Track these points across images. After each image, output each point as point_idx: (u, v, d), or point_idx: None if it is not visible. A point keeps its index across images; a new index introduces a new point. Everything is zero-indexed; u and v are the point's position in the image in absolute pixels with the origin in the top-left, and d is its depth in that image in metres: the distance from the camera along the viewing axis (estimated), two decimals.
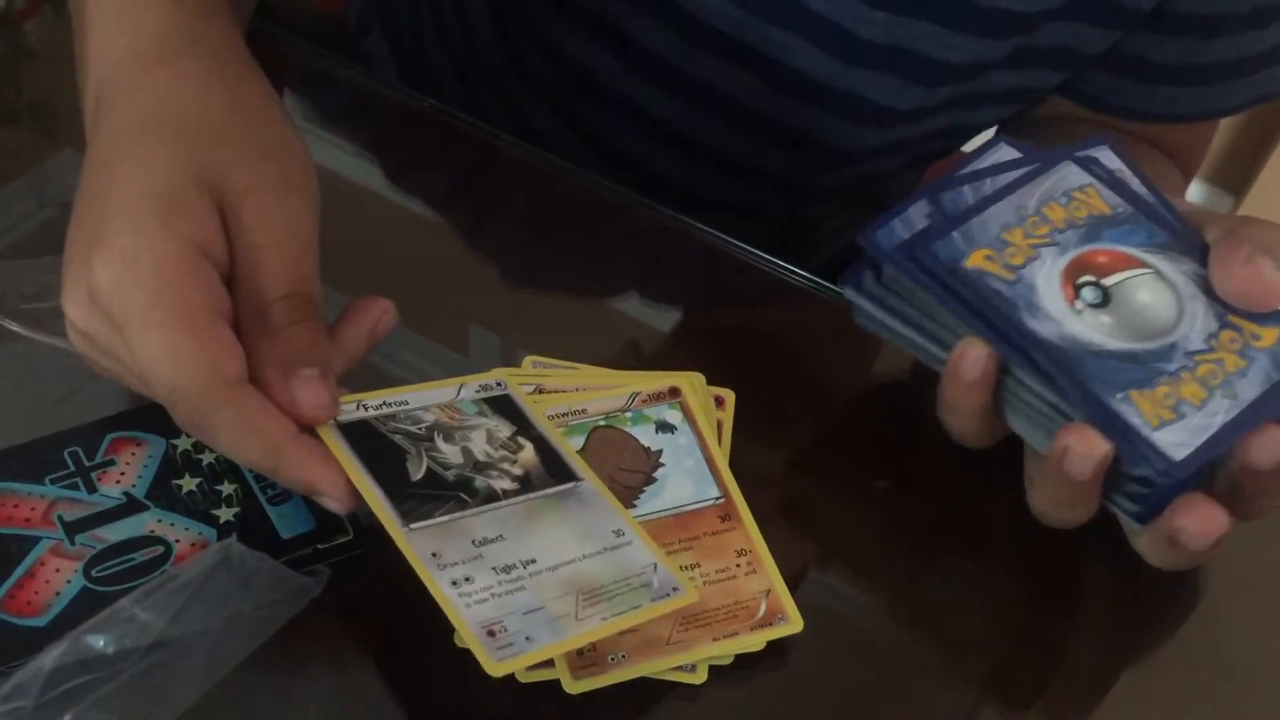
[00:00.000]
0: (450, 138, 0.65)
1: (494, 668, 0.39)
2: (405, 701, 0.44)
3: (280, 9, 0.68)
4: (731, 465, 0.50)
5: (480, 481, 0.44)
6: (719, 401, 0.53)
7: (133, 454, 0.47)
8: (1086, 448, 0.45)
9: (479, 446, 0.46)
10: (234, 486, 0.47)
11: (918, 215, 0.50)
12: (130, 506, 0.46)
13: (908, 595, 0.50)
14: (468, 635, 0.40)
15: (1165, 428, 0.45)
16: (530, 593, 0.42)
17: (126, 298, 0.41)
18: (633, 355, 0.55)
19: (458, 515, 0.43)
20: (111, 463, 0.47)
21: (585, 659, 0.44)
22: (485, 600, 0.41)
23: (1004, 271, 0.48)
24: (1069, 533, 0.49)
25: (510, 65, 0.75)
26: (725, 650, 0.45)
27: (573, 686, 0.43)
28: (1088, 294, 0.48)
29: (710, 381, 0.53)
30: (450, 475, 0.44)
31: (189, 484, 0.47)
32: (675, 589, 0.43)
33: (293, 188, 0.45)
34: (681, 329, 0.58)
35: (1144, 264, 0.49)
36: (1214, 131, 0.77)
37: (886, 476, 0.53)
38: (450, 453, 0.45)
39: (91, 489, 0.46)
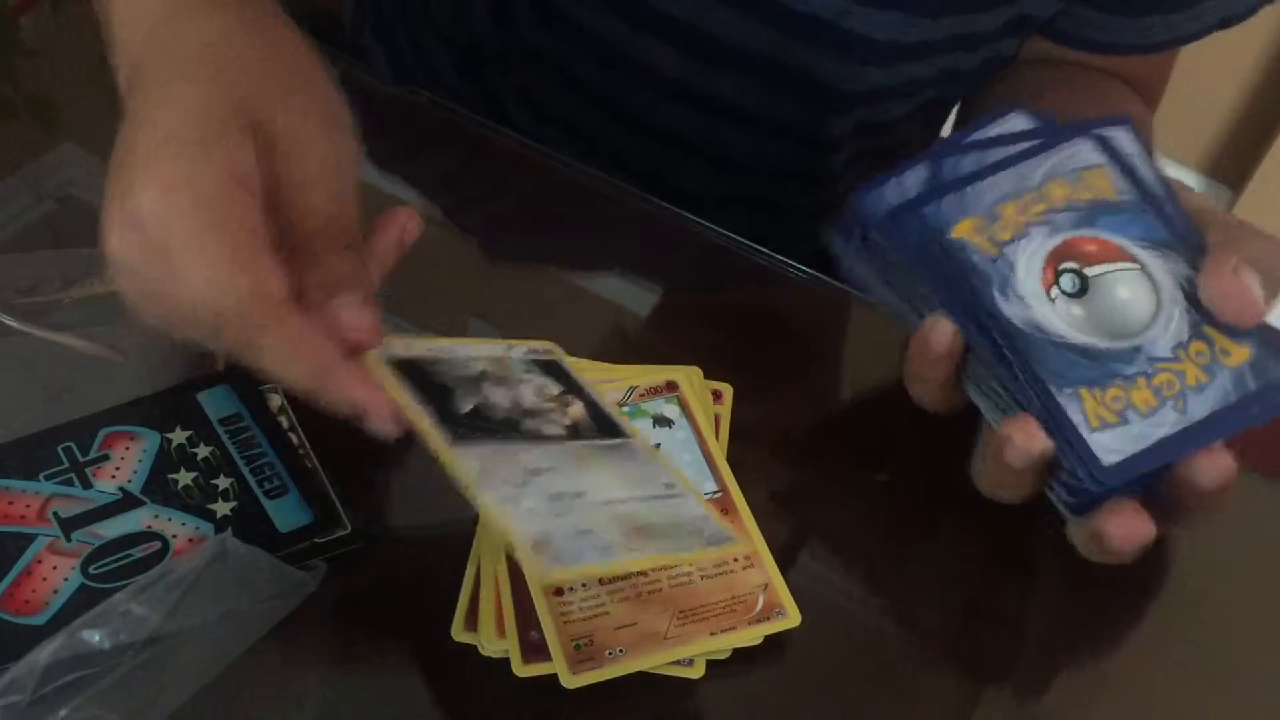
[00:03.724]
0: (447, 131, 0.65)
1: (546, 577, 0.39)
2: (403, 696, 0.44)
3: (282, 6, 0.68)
4: (729, 459, 0.50)
5: (528, 424, 0.44)
6: (716, 395, 0.53)
7: (127, 448, 0.47)
8: (1026, 442, 0.45)
9: (528, 397, 0.45)
10: (230, 480, 0.47)
11: (914, 180, 0.49)
12: (126, 502, 0.45)
13: (905, 588, 0.50)
14: (518, 544, 0.39)
15: (1105, 430, 0.45)
16: (580, 517, 0.41)
17: (170, 224, 0.41)
18: (631, 349, 0.55)
19: (507, 445, 0.43)
20: (106, 458, 0.47)
21: (582, 654, 0.44)
22: (532, 520, 0.40)
23: (988, 245, 0.48)
24: (1066, 527, 0.49)
25: (516, 48, 0.75)
26: (723, 645, 0.45)
27: (570, 681, 0.43)
28: (1066, 282, 0.47)
29: (708, 375, 0.53)
30: (498, 415, 0.44)
31: (185, 478, 0.47)
32: (728, 538, 0.43)
33: (331, 123, 0.46)
34: (679, 323, 0.58)
35: (1133, 259, 0.48)
36: (1174, 61, 0.78)
37: (884, 470, 0.53)
38: (499, 397, 0.44)
39: (86, 484, 0.46)
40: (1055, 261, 0.48)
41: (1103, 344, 0.46)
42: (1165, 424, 0.45)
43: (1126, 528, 0.45)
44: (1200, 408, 0.45)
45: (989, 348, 0.46)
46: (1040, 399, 0.45)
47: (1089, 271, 0.47)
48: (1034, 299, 0.47)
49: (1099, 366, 0.46)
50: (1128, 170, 0.50)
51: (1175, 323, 0.47)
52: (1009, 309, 0.46)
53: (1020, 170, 0.49)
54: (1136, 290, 0.47)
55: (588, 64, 0.73)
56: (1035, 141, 0.50)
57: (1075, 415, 0.45)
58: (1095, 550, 0.47)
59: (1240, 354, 0.47)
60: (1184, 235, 0.49)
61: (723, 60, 0.70)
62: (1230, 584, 0.52)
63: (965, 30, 0.69)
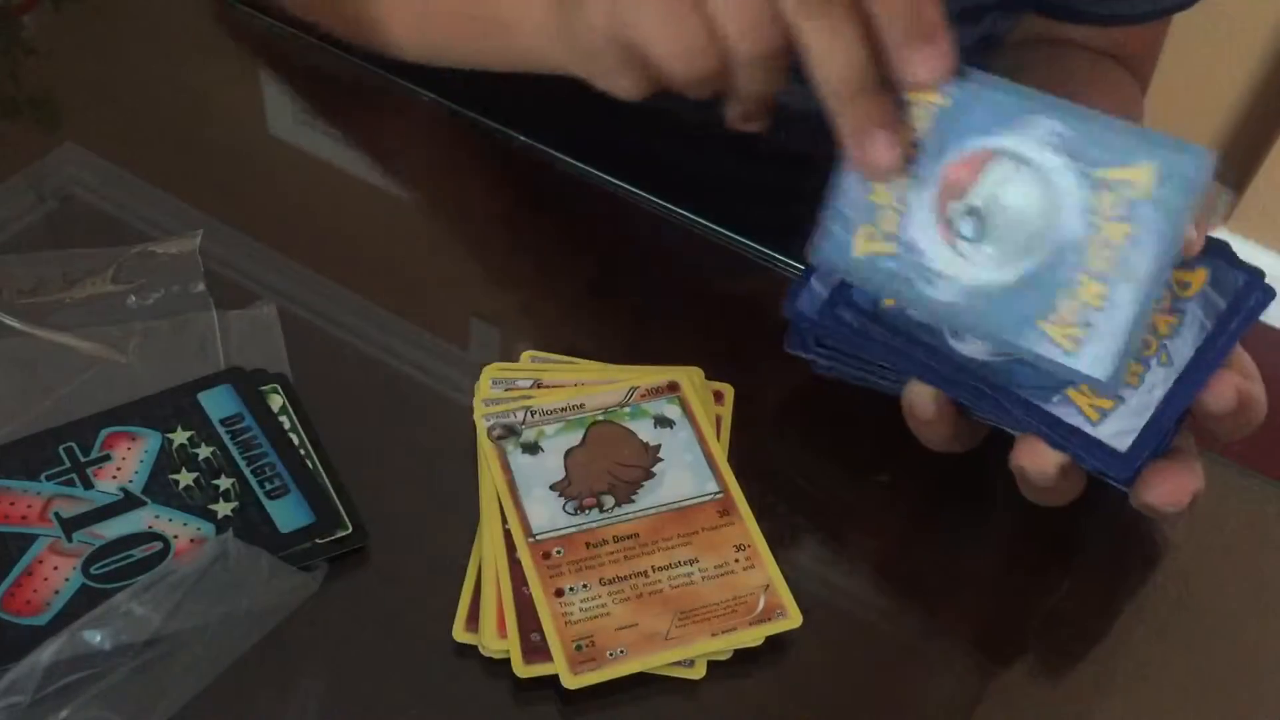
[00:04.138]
0: (451, 133, 0.65)
1: None
2: (404, 696, 0.44)
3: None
4: (730, 460, 0.50)
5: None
6: (718, 396, 0.53)
7: (128, 449, 0.47)
8: (1039, 464, 0.45)
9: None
10: (231, 480, 0.47)
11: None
12: (127, 502, 0.46)
13: (907, 588, 0.50)
14: None
15: (1107, 420, 0.44)
16: None
17: None
18: (631, 350, 0.55)
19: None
20: (107, 458, 0.47)
21: (583, 654, 0.44)
22: None
23: (885, 245, 0.45)
24: (1071, 524, 0.49)
25: None
26: (724, 646, 0.45)
27: (571, 681, 0.43)
28: (965, 229, 0.44)
29: (709, 376, 0.53)
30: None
31: (186, 478, 0.47)
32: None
33: None
34: (680, 324, 0.58)
35: (999, 151, 0.44)
36: (1164, 36, 0.79)
37: (885, 470, 0.53)
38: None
39: (88, 485, 0.46)
40: (943, 209, 0.44)
41: (1033, 265, 0.44)
42: (1159, 382, 0.45)
43: (1168, 491, 0.45)
44: (1184, 349, 0.45)
45: (967, 392, 0.46)
46: (1035, 418, 0.45)
47: (975, 201, 0.44)
48: (951, 266, 0.45)
49: (1041, 290, 0.44)
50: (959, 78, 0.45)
51: (1075, 191, 0.43)
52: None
53: None
54: (1019, 185, 0.43)
55: None
56: None
57: (1074, 418, 0.45)
58: (1153, 513, 0.47)
59: (1198, 279, 0.46)
60: (1028, 94, 0.44)
61: None
62: (1239, 588, 0.52)
63: (968, 5, 0.69)
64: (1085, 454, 0.45)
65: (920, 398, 0.48)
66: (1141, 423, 0.44)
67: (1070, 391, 0.45)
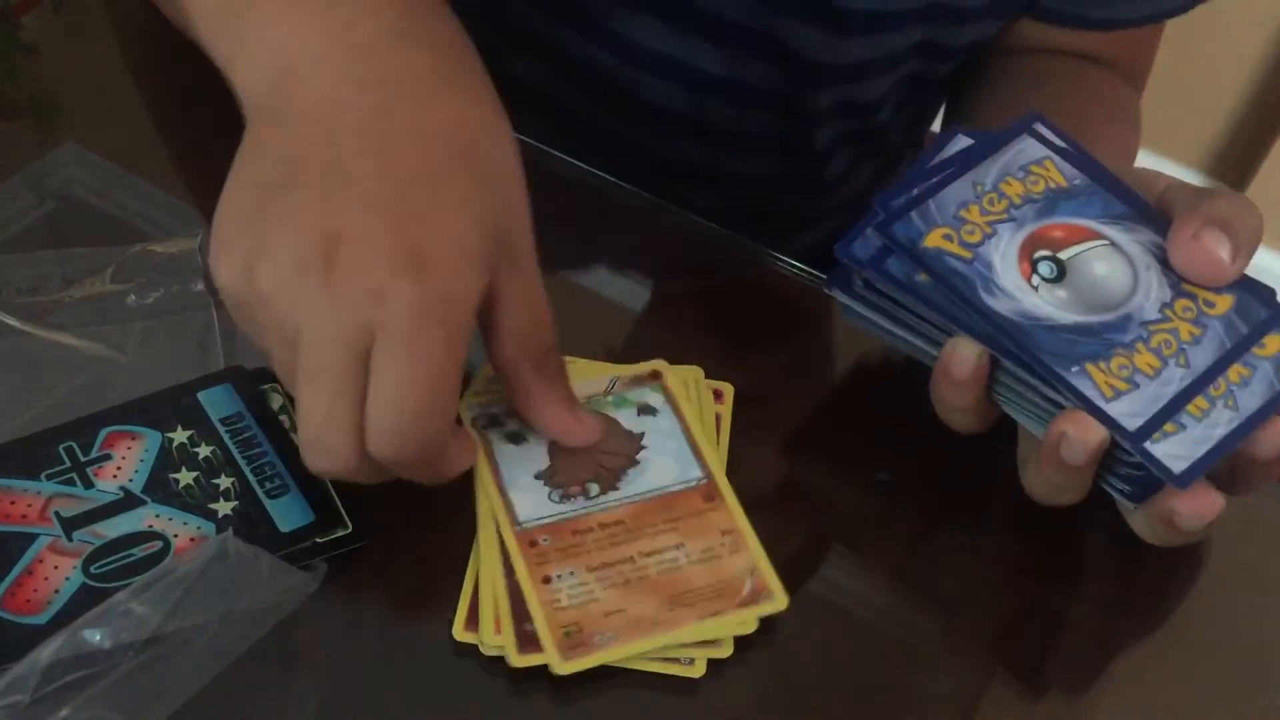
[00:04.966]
0: None
1: None
2: (404, 695, 0.44)
3: None
4: (731, 458, 0.50)
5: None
6: (718, 396, 0.53)
7: (128, 448, 0.47)
8: (1082, 433, 0.45)
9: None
10: (231, 480, 0.47)
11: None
12: (127, 501, 0.46)
13: (908, 587, 0.50)
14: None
15: (1119, 399, 0.46)
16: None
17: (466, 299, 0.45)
18: (631, 349, 0.55)
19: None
20: (107, 457, 0.47)
21: (573, 640, 0.44)
22: None
23: (961, 250, 0.49)
24: (1071, 523, 0.50)
25: (508, 38, 0.75)
26: (711, 630, 0.45)
27: (562, 667, 0.43)
28: (1044, 269, 0.49)
29: (709, 375, 0.53)
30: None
31: (186, 478, 0.47)
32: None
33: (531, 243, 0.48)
34: (681, 323, 0.58)
35: (1100, 236, 0.50)
36: (1159, 40, 0.79)
37: (886, 468, 0.53)
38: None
39: (88, 484, 0.46)
40: (1028, 253, 0.49)
41: (1095, 319, 0.48)
42: (1173, 381, 0.46)
43: (1196, 504, 0.45)
44: (1202, 358, 0.47)
45: (998, 349, 0.47)
46: (1055, 382, 0.46)
47: (1062, 255, 0.49)
48: (1018, 291, 0.48)
49: (1097, 340, 0.47)
50: (1072, 156, 0.52)
51: (1155, 287, 0.49)
52: (998, 305, 0.48)
53: (972, 176, 0.51)
54: (1111, 263, 0.49)
55: (567, 32, 0.73)
56: (981, 150, 0.52)
57: (1089, 390, 0.46)
58: (1163, 533, 0.47)
59: (1224, 303, 0.49)
60: (1140, 206, 0.51)
61: (704, 31, 0.70)
62: (1239, 588, 0.52)
63: (956, 4, 0.69)
64: (1125, 448, 0.45)
65: (959, 354, 0.47)
66: (1155, 409, 0.46)
67: (1088, 365, 0.46)
